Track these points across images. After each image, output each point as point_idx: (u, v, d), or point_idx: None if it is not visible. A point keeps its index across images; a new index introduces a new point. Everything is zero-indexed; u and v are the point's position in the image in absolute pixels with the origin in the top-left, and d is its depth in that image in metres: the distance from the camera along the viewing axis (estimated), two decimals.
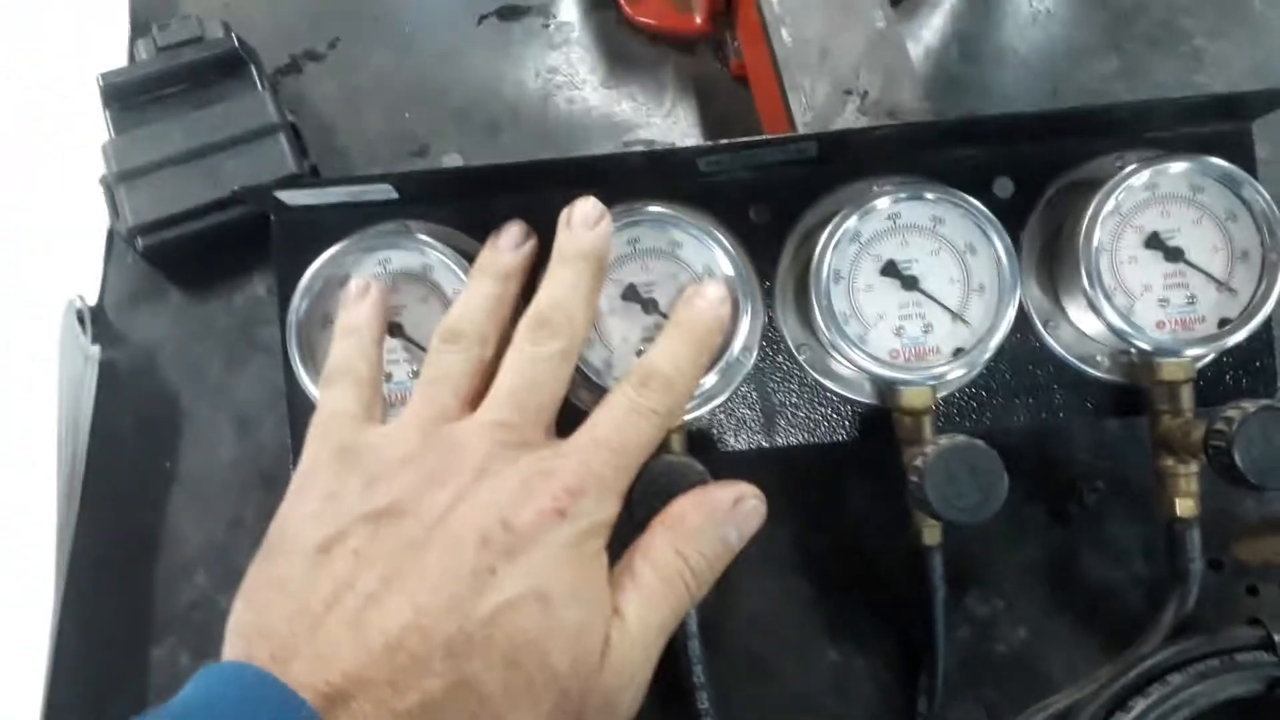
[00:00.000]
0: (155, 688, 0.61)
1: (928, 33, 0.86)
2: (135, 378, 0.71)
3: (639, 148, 0.79)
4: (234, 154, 0.74)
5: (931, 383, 0.58)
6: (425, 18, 0.85)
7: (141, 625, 0.62)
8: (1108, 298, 0.58)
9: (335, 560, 0.44)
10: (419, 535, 0.44)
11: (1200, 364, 0.60)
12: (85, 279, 0.73)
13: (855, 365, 0.59)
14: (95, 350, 0.70)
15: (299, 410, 0.63)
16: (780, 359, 0.62)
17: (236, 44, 0.76)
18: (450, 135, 0.80)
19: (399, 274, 0.60)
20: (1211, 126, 0.62)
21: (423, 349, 0.59)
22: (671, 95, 0.83)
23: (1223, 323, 0.59)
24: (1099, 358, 0.62)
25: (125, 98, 0.75)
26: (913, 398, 0.58)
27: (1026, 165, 0.62)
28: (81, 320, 0.70)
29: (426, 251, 0.60)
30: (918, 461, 0.53)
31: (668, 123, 0.81)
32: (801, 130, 0.65)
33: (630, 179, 0.62)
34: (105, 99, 0.74)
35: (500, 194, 0.62)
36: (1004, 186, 0.62)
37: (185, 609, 0.63)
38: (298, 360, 0.61)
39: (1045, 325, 0.62)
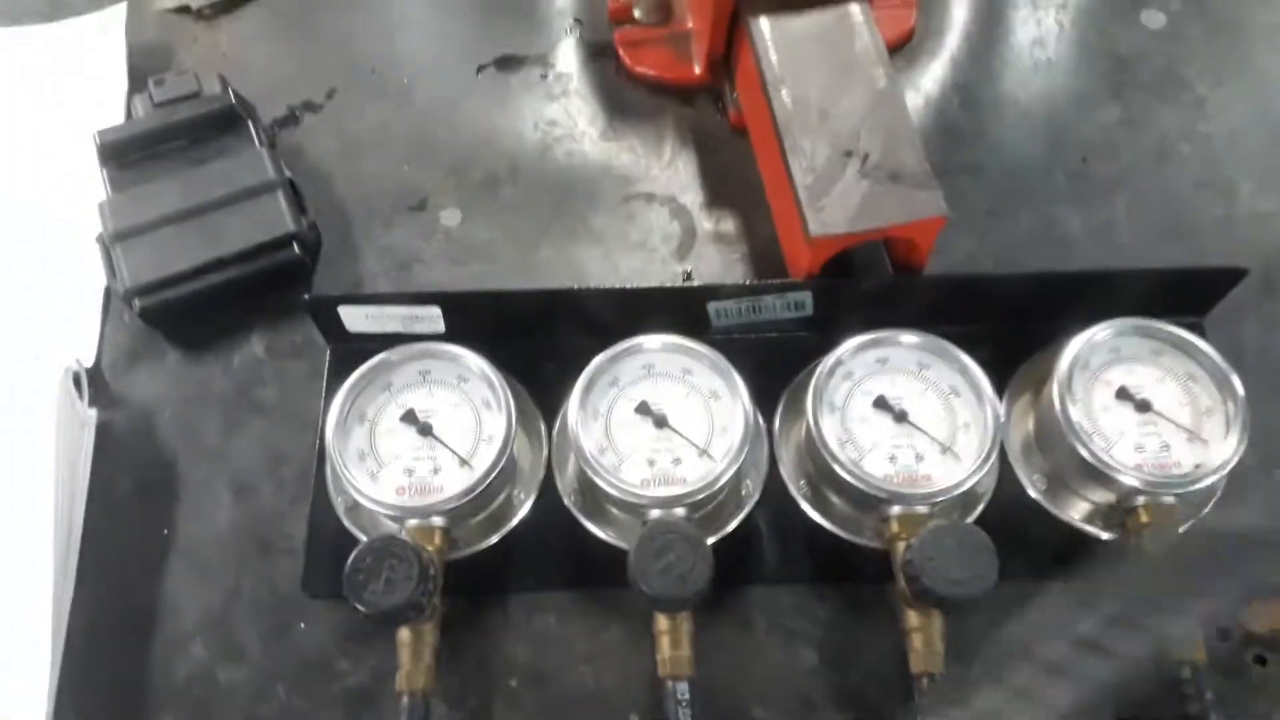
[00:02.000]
0: None
1: (928, 81, 0.86)
2: (132, 441, 0.72)
3: (637, 199, 0.80)
4: (232, 212, 0.74)
5: (923, 505, 0.61)
6: (423, 68, 0.84)
7: (139, 699, 0.64)
8: (1085, 439, 0.61)
9: None
10: None
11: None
12: (82, 341, 0.74)
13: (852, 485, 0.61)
14: (92, 415, 0.71)
15: (319, 515, 0.66)
16: (780, 498, 0.66)
17: (233, 99, 0.76)
18: (449, 189, 0.81)
19: (436, 383, 0.65)
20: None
21: (449, 448, 0.63)
22: (671, 147, 0.83)
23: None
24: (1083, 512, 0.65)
25: (122, 155, 0.74)
26: (906, 523, 0.61)
27: (1002, 341, 0.68)
28: (78, 384, 0.71)
29: (462, 364, 0.65)
30: (909, 552, 0.56)
31: (667, 174, 0.82)
32: (802, 191, 0.66)
33: (651, 318, 0.66)
34: (102, 157, 0.74)
35: (531, 336, 0.69)
36: (982, 360, 0.65)
37: (183, 682, 0.65)
38: (336, 452, 0.63)
39: (1034, 484, 0.66)
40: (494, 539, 0.65)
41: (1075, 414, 0.62)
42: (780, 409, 0.69)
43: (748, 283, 0.70)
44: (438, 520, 0.62)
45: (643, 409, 0.64)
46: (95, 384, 0.73)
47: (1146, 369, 0.64)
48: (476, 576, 0.65)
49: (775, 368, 0.69)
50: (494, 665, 0.64)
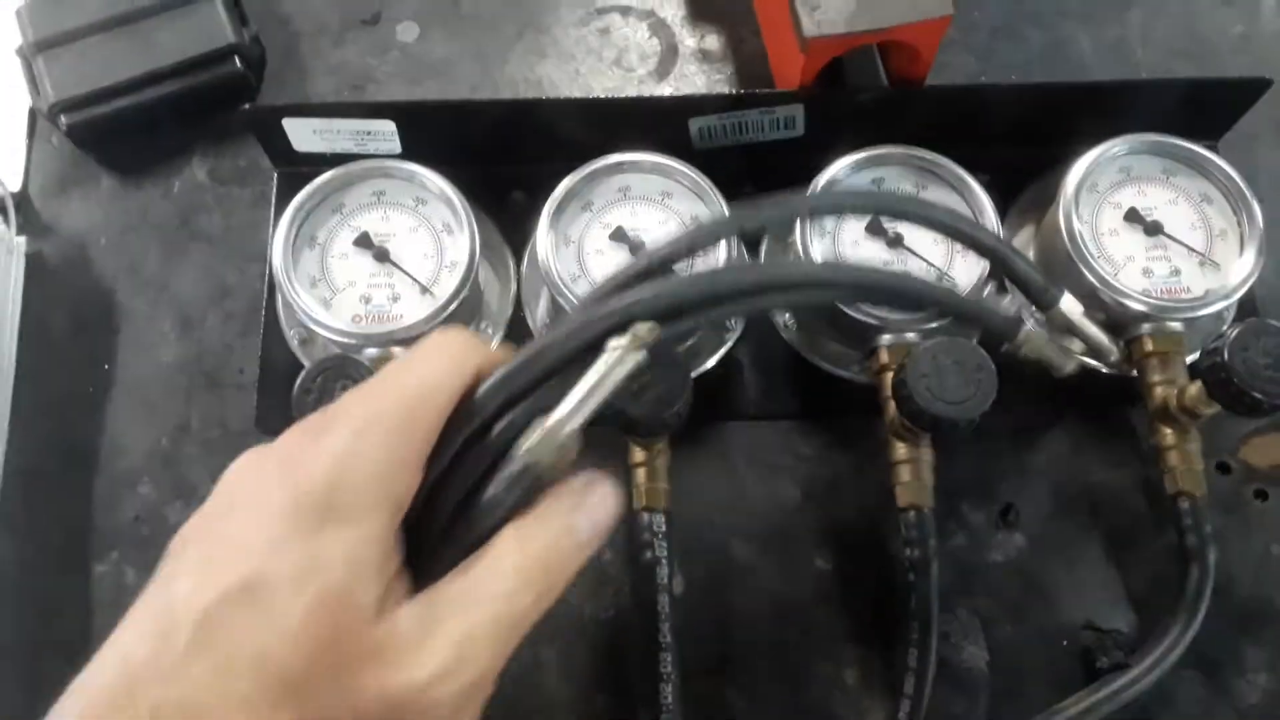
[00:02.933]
0: (100, 604, 0.60)
1: None
2: (66, 272, 0.66)
3: (612, 13, 0.73)
4: (167, 20, 0.68)
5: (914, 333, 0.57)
6: None
7: (82, 540, 0.61)
8: (1092, 262, 0.57)
9: None
10: None
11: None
12: (6, 164, 0.68)
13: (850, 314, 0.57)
14: (21, 242, 0.65)
15: (271, 349, 0.62)
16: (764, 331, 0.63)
17: None
18: (404, 1, 0.74)
19: (392, 204, 0.60)
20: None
21: (408, 274, 0.59)
22: None
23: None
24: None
25: None
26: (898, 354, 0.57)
27: (1004, 165, 0.63)
28: (3, 210, 0.65)
29: (420, 183, 0.60)
30: (901, 372, 0.52)
31: None
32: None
33: (627, 137, 0.60)
34: None
35: (496, 161, 0.64)
36: (982, 183, 0.60)
37: (129, 522, 0.61)
38: (286, 277, 0.58)
39: (1033, 314, 0.61)
40: None
41: (1082, 235, 0.57)
42: (767, 237, 0.64)
43: (733, 94, 0.65)
44: (398, 351, 0.58)
45: (618, 235, 0.59)
46: (23, 211, 0.67)
47: (1158, 190, 0.60)
48: None
49: (763, 193, 0.65)
50: None
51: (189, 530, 0.38)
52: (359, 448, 0.36)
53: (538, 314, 0.63)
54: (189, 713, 0.32)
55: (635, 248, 0.59)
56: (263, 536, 0.35)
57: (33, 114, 0.69)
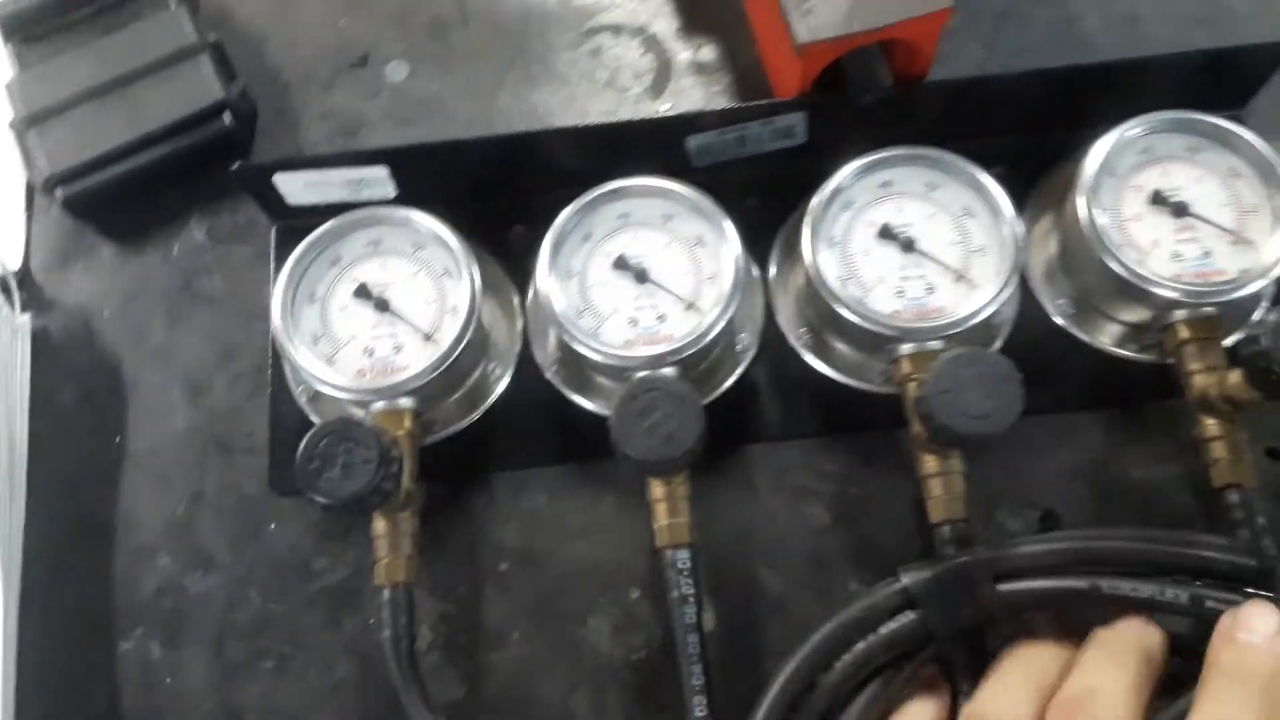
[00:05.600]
0: (127, 682, 0.59)
1: None
2: (72, 346, 0.66)
3: (603, 33, 0.72)
4: (154, 83, 0.67)
5: (936, 341, 0.54)
6: None
7: (106, 617, 0.60)
8: (1116, 251, 0.54)
9: None
10: None
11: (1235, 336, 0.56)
12: (6, 242, 0.67)
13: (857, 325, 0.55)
14: (25, 320, 0.65)
15: (280, 408, 0.62)
16: (779, 349, 0.60)
17: None
18: (392, 40, 0.73)
19: (389, 252, 0.59)
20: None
21: (409, 323, 0.57)
22: None
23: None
24: (1118, 337, 0.59)
25: (26, 27, 0.67)
26: (920, 362, 0.54)
27: (1019, 155, 0.61)
28: (6, 289, 0.65)
29: (415, 228, 0.59)
30: (922, 387, 0.49)
31: (634, 1, 0.73)
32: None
33: (625, 161, 0.59)
34: (5, 32, 0.67)
35: (493, 196, 0.63)
36: (997, 176, 0.57)
37: (151, 595, 0.60)
38: (286, 338, 0.57)
39: (1060, 310, 0.59)
40: (474, 417, 0.60)
41: (1103, 223, 0.55)
42: (775, 251, 0.62)
43: (729, 108, 0.62)
44: (405, 402, 0.56)
45: (620, 263, 0.57)
46: (26, 288, 0.67)
47: (1182, 168, 0.57)
48: (458, 458, 0.60)
49: (768, 206, 0.63)
50: (482, 550, 0.60)
51: None
52: None
53: (547, 349, 0.61)
54: None
55: (639, 275, 0.57)
56: None
57: (29, 188, 0.68)
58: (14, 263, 0.67)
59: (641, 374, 0.53)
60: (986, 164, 0.57)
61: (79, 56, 0.67)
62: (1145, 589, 0.49)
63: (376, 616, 0.54)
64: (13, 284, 0.65)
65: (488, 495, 0.61)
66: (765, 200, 0.63)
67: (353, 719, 0.57)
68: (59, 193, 0.65)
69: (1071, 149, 0.58)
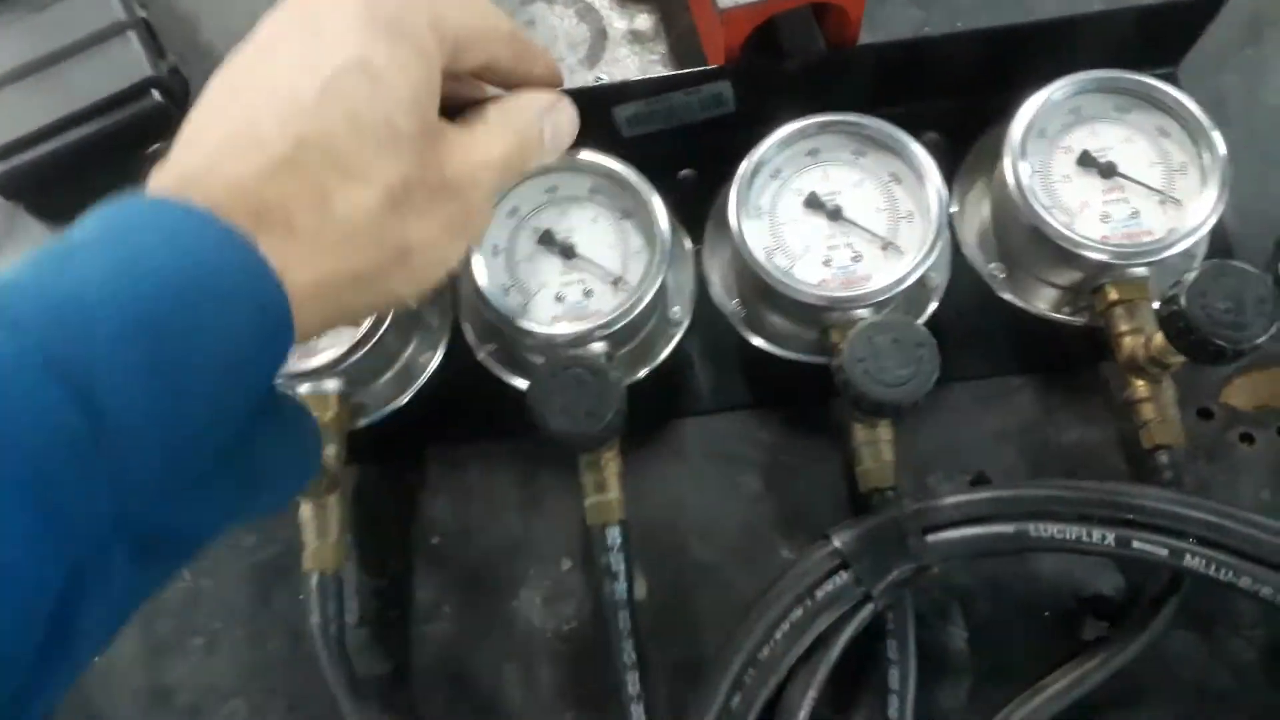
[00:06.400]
0: None
1: None
2: None
3: (538, 2, 0.70)
4: (81, 61, 0.66)
5: (864, 309, 0.54)
6: None
7: None
8: (1046, 212, 0.54)
9: None
10: None
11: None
12: None
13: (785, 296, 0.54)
14: None
15: None
16: (713, 323, 0.59)
17: None
18: None
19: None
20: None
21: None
22: None
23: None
24: (1049, 301, 0.58)
25: None
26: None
27: (952, 120, 0.60)
28: None
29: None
30: (839, 354, 0.49)
31: None
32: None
33: None
34: None
35: None
36: (930, 142, 0.57)
37: None
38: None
39: (991, 275, 0.59)
40: (404, 399, 0.59)
41: (1031, 185, 0.54)
42: (709, 223, 0.61)
43: (652, 77, 0.62)
44: (331, 385, 0.55)
45: (546, 239, 0.56)
46: None
47: (1111, 128, 0.56)
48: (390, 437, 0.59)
49: (701, 179, 0.62)
50: (413, 524, 0.60)
51: (282, 16, 0.41)
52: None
53: (480, 326, 0.60)
54: (330, 153, 0.37)
55: (565, 251, 0.56)
56: (355, 30, 0.39)
57: None
58: None
59: (563, 351, 0.53)
60: (919, 130, 0.57)
61: (7, 35, 0.66)
62: (1072, 530, 0.49)
63: (304, 603, 0.54)
64: None
65: (419, 470, 0.60)
66: (699, 171, 0.62)
67: (284, 695, 0.57)
68: None
69: (1003, 114, 0.57)
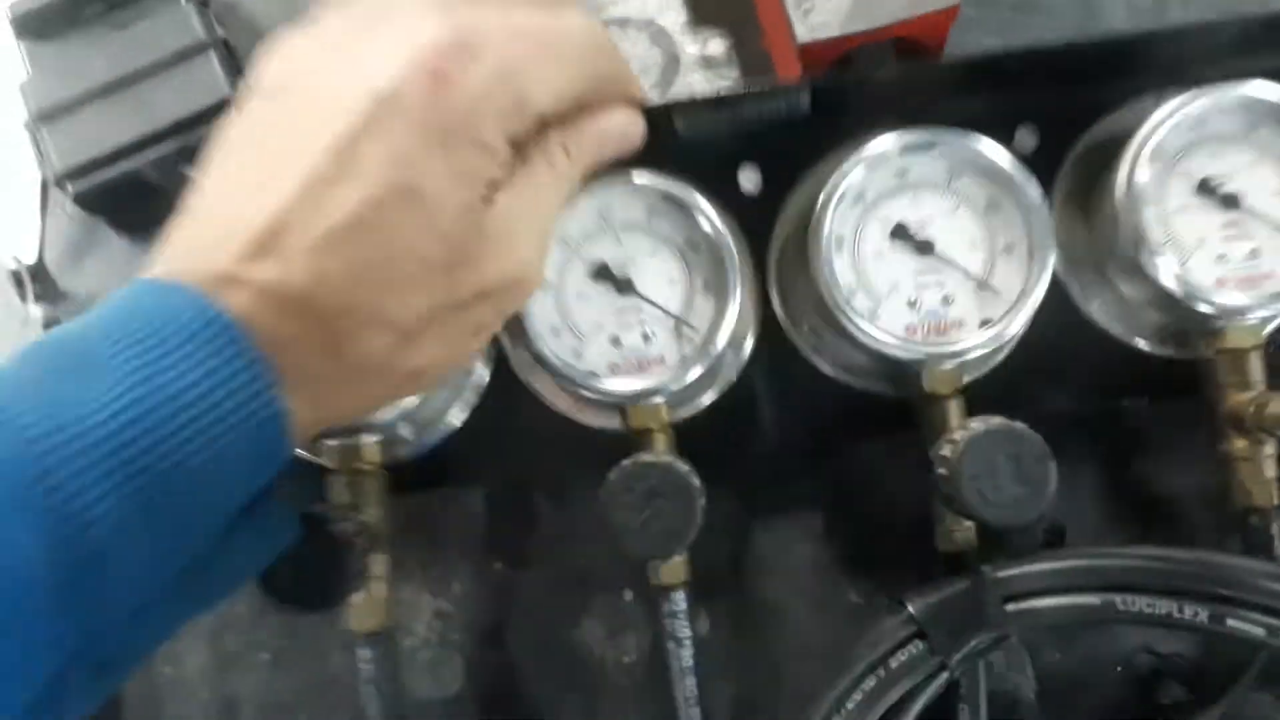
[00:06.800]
0: None
1: None
2: None
3: (610, 26, 0.68)
4: (163, 80, 0.66)
5: (955, 363, 0.50)
6: None
7: None
8: (1155, 254, 0.49)
9: None
10: None
11: (1270, 328, 0.51)
12: (22, 237, 0.68)
13: (866, 346, 0.50)
14: (37, 312, 0.65)
15: None
16: (779, 348, 0.56)
17: None
18: None
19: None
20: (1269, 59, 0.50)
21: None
22: None
23: None
24: (1147, 330, 0.54)
25: (39, 27, 0.67)
26: (937, 381, 0.50)
27: (1053, 113, 0.54)
28: (19, 282, 0.65)
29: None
30: (945, 451, 0.46)
31: None
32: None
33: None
34: (17, 30, 0.66)
35: None
36: (1026, 139, 0.53)
37: None
38: None
39: (1084, 297, 0.54)
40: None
41: (1146, 219, 0.49)
42: (773, 240, 0.56)
43: (721, 95, 0.55)
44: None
45: (602, 273, 0.52)
46: (40, 281, 0.67)
47: (1235, 152, 0.51)
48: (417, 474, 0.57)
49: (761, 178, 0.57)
50: (478, 548, 0.59)
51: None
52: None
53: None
54: (348, 302, 0.36)
55: (623, 286, 0.52)
56: (407, 146, 0.36)
57: (44, 185, 0.69)
58: (29, 257, 0.67)
59: (637, 459, 0.48)
60: (1014, 123, 0.53)
61: (89, 55, 0.66)
62: (1162, 604, 0.46)
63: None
64: (26, 277, 0.65)
65: (479, 493, 0.60)
66: (761, 169, 0.57)
67: (345, 712, 0.58)
68: (69, 188, 0.65)
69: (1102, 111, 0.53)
